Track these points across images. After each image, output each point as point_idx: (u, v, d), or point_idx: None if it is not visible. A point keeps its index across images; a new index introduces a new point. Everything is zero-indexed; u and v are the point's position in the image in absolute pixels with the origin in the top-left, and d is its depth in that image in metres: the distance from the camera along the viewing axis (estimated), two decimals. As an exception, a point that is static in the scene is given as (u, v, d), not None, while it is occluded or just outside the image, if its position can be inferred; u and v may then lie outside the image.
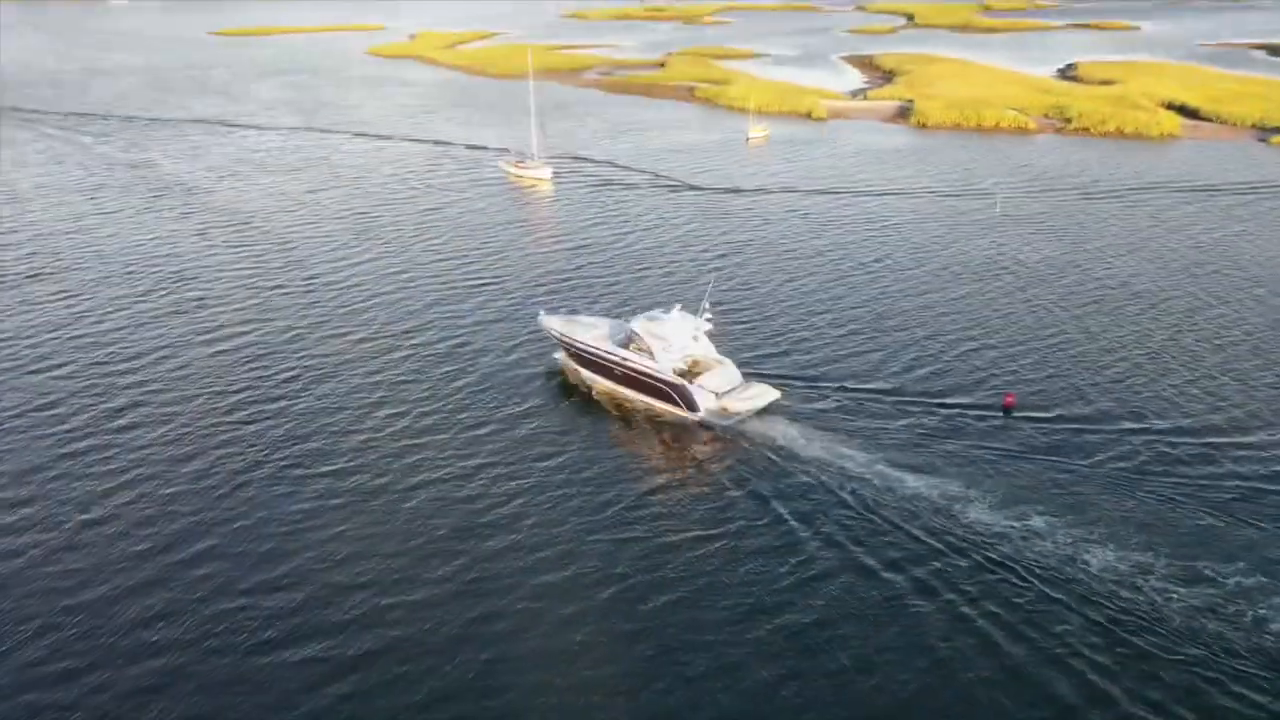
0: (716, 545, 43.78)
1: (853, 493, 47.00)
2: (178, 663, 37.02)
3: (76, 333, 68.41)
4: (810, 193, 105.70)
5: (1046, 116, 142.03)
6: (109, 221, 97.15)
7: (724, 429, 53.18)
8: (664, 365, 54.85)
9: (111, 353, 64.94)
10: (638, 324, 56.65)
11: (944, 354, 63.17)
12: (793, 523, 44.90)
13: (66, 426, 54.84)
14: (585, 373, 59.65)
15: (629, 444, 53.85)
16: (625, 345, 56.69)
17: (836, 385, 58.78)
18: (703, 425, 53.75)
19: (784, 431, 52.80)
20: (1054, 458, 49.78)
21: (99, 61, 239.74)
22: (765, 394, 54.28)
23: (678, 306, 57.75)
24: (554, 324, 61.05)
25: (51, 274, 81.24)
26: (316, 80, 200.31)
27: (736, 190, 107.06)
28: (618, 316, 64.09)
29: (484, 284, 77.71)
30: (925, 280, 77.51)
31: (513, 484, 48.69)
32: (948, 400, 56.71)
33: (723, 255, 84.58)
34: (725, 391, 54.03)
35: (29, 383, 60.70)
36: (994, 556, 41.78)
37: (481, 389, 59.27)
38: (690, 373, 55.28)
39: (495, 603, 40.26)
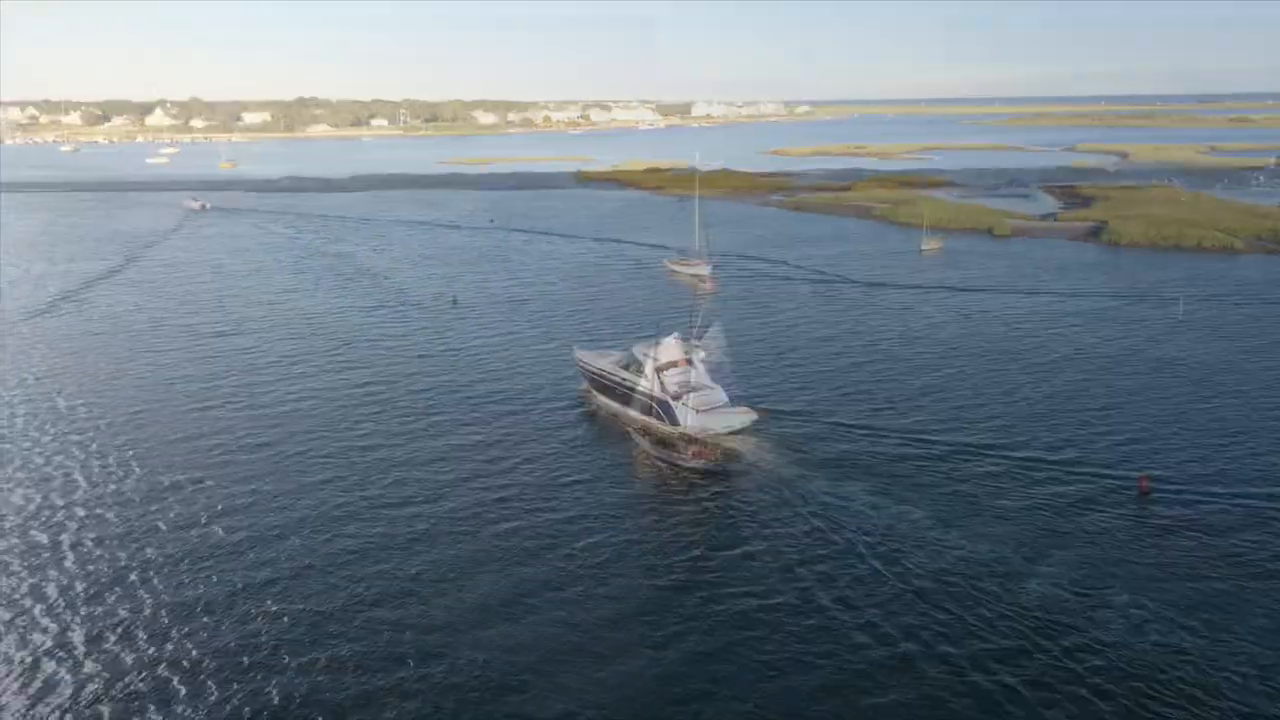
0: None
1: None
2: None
3: (249, 377, 75.50)
4: (974, 291, 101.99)
5: (1259, 238, 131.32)
6: (301, 295, 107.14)
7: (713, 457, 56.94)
8: (651, 381, 61.17)
9: (272, 394, 71.08)
10: (635, 347, 63.95)
11: (1077, 429, 59.97)
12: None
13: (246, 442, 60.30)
14: (597, 396, 66.84)
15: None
16: (625, 367, 63.71)
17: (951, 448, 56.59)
18: (686, 439, 59.03)
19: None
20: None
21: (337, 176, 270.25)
22: (744, 416, 59.88)
23: (674, 334, 64.49)
24: (581, 355, 69.36)
25: (241, 332, 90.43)
26: (518, 196, 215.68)
27: (898, 286, 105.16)
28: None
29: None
30: (1085, 367, 73.10)
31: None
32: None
33: (872, 343, 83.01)
34: (706, 409, 59.96)
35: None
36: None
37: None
38: (679, 393, 61.21)
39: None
